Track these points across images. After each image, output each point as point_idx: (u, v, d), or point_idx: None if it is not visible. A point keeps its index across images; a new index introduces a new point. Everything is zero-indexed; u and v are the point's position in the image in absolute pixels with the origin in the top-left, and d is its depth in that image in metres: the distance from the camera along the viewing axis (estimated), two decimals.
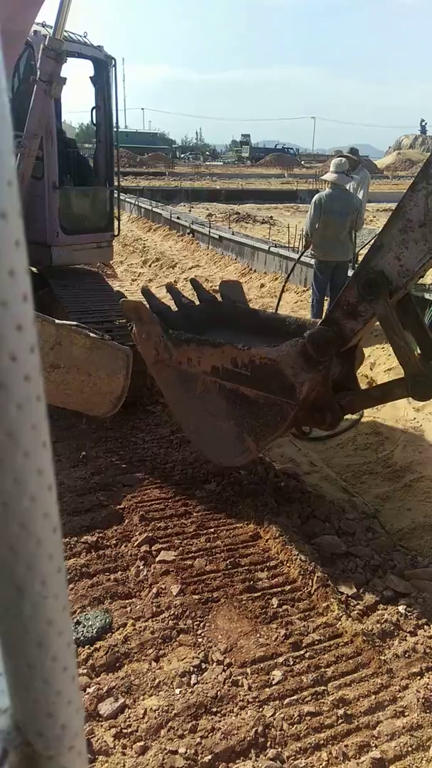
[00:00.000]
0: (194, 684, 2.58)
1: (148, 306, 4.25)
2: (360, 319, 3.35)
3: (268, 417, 3.62)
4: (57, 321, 3.61)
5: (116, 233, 6.60)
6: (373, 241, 3.55)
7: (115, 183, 6.65)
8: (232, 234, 12.07)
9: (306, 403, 3.55)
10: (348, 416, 5.56)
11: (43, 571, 0.38)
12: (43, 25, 5.36)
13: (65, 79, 5.03)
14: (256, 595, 3.14)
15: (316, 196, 7.21)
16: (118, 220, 6.63)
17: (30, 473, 0.36)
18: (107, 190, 6.54)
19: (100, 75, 6.19)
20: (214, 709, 2.47)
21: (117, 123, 6.49)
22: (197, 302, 4.88)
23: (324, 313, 7.47)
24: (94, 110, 6.35)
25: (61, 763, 0.43)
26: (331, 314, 3.47)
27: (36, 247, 5.60)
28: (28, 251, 0.34)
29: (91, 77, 6.22)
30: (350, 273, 7.34)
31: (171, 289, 4.93)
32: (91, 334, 3.72)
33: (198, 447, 4.31)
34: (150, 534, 3.57)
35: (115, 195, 6.69)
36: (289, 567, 3.33)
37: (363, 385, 6.10)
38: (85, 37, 5.99)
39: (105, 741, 2.33)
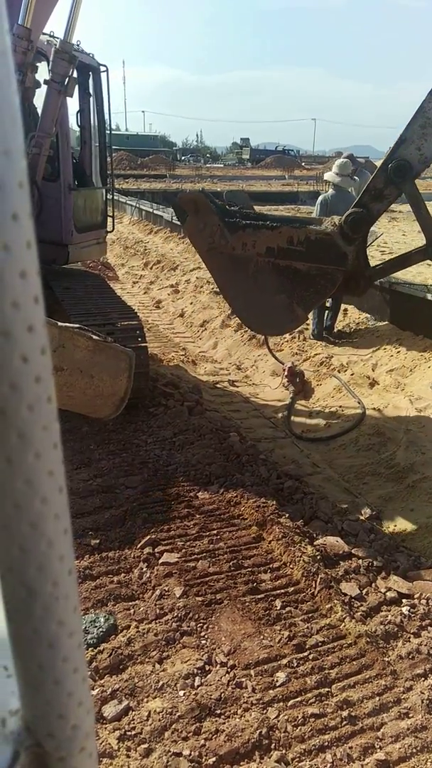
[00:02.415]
0: (198, 686, 2.58)
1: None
2: (385, 201, 4.22)
3: (319, 285, 4.34)
4: (60, 323, 3.61)
5: (111, 229, 6.97)
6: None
7: (109, 183, 6.95)
8: None
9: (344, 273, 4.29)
10: (352, 411, 5.56)
11: (54, 572, 0.38)
12: (51, 36, 5.48)
13: (77, 79, 5.29)
14: (259, 596, 3.14)
15: (321, 197, 7.23)
16: (113, 217, 6.98)
17: (41, 474, 0.36)
18: (103, 189, 6.75)
19: (95, 81, 6.33)
20: (218, 711, 2.47)
21: (110, 126, 6.68)
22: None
23: (322, 313, 7.47)
24: (79, 114, 6.54)
25: (71, 764, 0.43)
26: (361, 199, 4.22)
27: (51, 247, 5.74)
28: (43, 251, 0.34)
29: (79, 83, 6.36)
30: None
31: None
32: (94, 337, 3.71)
33: (248, 323, 5.01)
34: (153, 536, 3.56)
35: (109, 194, 7.01)
36: (292, 568, 3.32)
37: (365, 386, 6.11)
38: (78, 45, 6.12)
39: (109, 743, 2.33)
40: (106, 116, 6.59)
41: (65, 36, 5.02)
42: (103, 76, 6.29)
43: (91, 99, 6.49)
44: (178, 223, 16.28)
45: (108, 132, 6.72)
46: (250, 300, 4.52)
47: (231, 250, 4.32)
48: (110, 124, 6.70)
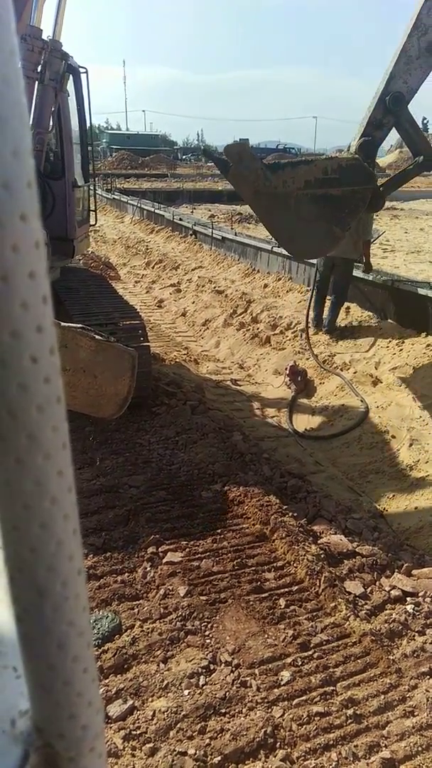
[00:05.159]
0: (203, 685, 2.58)
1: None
2: (384, 129, 5.16)
3: (352, 205, 5.07)
4: (62, 323, 3.61)
5: (94, 223, 7.30)
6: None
7: (91, 180, 7.16)
8: (235, 235, 12.04)
9: None
10: (354, 409, 5.56)
11: (63, 572, 0.38)
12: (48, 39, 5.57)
13: (69, 75, 5.52)
14: (263, 595, 3.14)
15: None
16: (95, 212, 7.27)
17: (51, 475, 0.36)
18: (86, 185, 6.89)
19: (75, 82, 6.37)
20: (223, 710, 2.47)
21: (91, 126, 6.75)
22: None
23: (324, 311, 7.45)
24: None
25: (81, 764, 0.43)
26: (365, 131, 5.11)
27: (58, 243, 5.84)
28: (51, 247, 0.34)
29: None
30: (355, 273, 7.33)
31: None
32: (97, 336, 3.72)
33: (291, 251, 5.78)
34: (156, 535, 3.56)
35: (92, 189, 7.23)
36: (296, 567, 3.32)
37: (368, 385, 6.10)
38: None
39: (114, 743, 2.33)
40: (87, 116, 6.63)
41: (54, 34, 5.12)
42: (83, 77, 6.32)
43: (69, 100, 6.52)
44: (180, 222, 16.12)
45: (90, 132, 6.79)
46: (293, 231, 5.08)
47: (273, 189, 4.76)
48: (91, 125, 6.77)
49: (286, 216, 4.94)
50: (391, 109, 4.98)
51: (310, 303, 7.38)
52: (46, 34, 5.44)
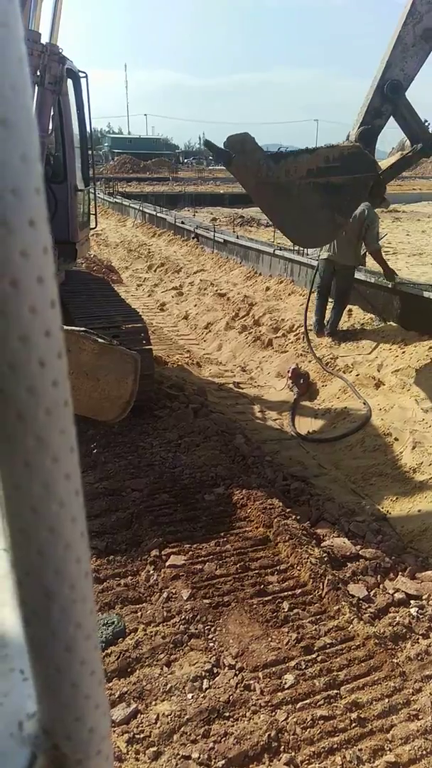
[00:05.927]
0: (206, 689, 2.58)
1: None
2: (383, 117, 5.13)
3: (354, 193, 5.10)
4: (65, 327, 3.62)
5: (94, 226, 7.33)
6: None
7: (91, 184, 7.20)
8: (237, 238, 12.03)
9: None
10: (357, 412, 5.55)
11: (71, 574, 0.38)
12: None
13: (68, 78, 5.59)
14: (266, 598, 3.13)
15: None
16: (96, 215, 7.32)
17: (58, 478, 0.36)
18: (86, 189, 6.91)
19: (75, 87, 6.40)
20: (227, 714, 2.46)
21: (91, 130, 6.75)
22: None
23: (326, 314, 7.44)
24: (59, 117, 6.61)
25: (88, 766, 0.43)
26: (365, 119, 5.09)
27: (61, 246, 5.88)
28: (55, 251, 0.35)
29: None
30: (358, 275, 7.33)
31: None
32: (99, 340, 3.72)
33: (295, 240, 5.72)
34: (159, 538, 3.56)
35: (92, 193, 7.28)
36: (299, 570, 3.32)
37: (371, 387, 6.09)
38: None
39: (118, 747, 2.33)
40: (87, 120, 6.64)
41: (50, 38, 5.13)
42: (83, 81, 6.33)
43: (69, 104, 6.53)
44: (182, 226, 16.06)
45: (90, 136, 6.81)
46: (297, 220, 5.09)
47: (276, 179, 4.78)
48: (91, 129, 6.77)
49: (289, 205, 4.95)
50: (388, 96, 5.01)
51: (307, 305, 7.38)
52: (44, 38, 5.47)
